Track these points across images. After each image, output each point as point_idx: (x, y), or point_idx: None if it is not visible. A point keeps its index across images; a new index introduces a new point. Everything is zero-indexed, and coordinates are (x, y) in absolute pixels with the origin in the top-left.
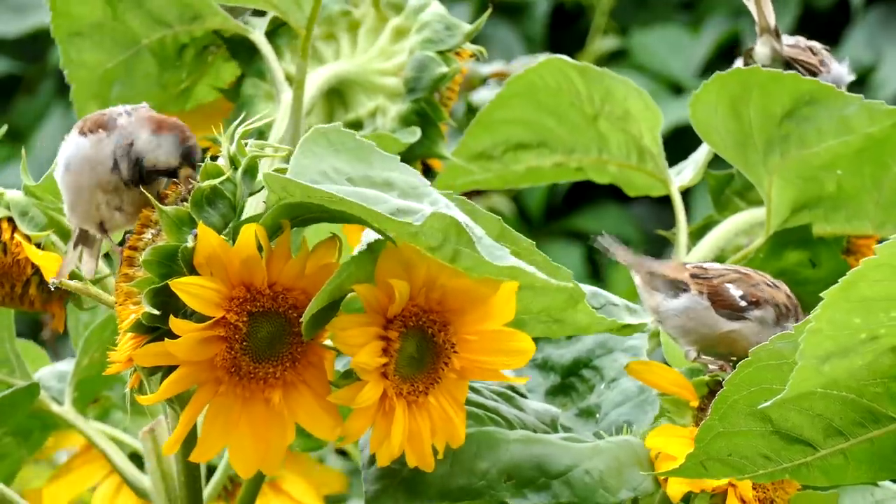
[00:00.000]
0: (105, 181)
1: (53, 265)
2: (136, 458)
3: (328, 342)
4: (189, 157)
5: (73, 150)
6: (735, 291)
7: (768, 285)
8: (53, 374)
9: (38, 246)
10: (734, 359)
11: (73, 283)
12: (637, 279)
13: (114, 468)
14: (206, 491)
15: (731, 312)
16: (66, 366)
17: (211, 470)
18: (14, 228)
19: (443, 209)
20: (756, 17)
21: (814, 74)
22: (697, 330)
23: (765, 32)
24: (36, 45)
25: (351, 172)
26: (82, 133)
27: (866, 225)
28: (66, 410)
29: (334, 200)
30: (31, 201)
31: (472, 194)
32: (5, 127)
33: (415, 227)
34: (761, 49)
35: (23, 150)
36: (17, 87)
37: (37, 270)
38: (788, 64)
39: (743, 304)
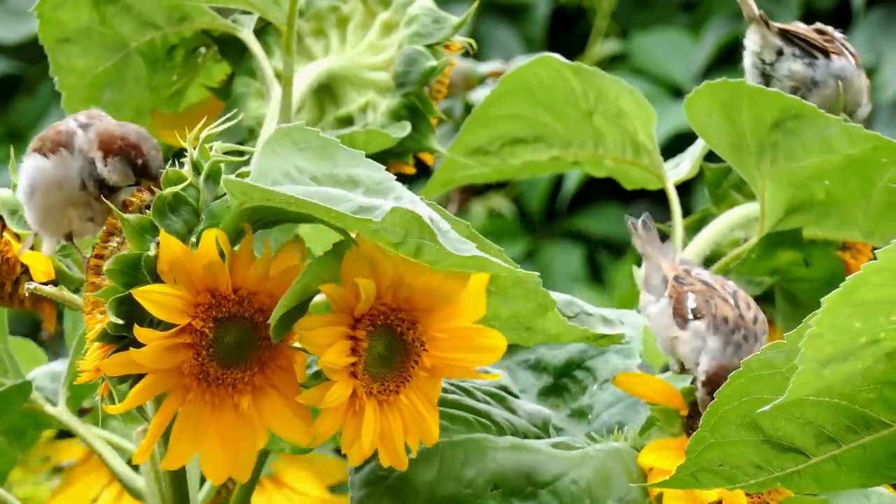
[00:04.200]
0: (76, 198)
1: (43, 265)
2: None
3: (297, 344)
4: (145, 172)
5: (36, 173)
6: (690, 303)
7: (724, 300)
8: (47, 375)
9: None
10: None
11: (48, 289)
12: (642, 272)
13: (109, 469)
14: (202, 493)
15: (680, 320)
16: (60, 366)
17: None
18: (3, 227)
19: (405, 204)
20: (742, 8)
21: (820, 51)
22: (659, 333)
23: (752, 22)
24: (36, 46)
25: (315, 171)
26: (42, 154)
27: (856, 233)
28: (61, 411)
29: (294, 202)
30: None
31: (471, 195)
32: None
33: (375, 223)
34: (751, 37)
35: (11, 150)
36: (17, 87)
37: (26, 269)
38: (780, 51)
39: (690, 316)
